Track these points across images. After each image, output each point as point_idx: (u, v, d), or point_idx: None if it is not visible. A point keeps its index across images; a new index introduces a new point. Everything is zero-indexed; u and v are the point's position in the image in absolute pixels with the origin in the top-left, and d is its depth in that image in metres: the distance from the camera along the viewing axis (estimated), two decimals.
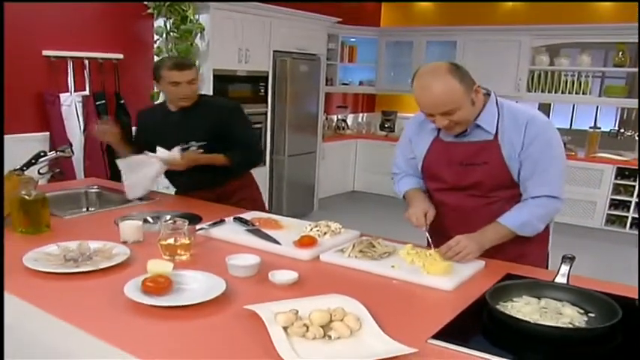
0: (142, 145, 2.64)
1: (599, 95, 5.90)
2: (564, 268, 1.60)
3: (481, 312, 1.47)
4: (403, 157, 2.19)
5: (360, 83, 7.16)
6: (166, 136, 2.57)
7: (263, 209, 2.76)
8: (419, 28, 6.77)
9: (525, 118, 1.84)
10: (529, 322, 1.33)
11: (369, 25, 7.05)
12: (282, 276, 1.65)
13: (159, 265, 1.60)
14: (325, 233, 2.07)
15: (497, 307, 1.43)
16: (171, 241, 1.83)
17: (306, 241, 1.93)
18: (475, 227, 1.85)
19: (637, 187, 5.35)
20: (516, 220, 1.83)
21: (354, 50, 7.02)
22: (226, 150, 2.60)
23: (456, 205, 2.00)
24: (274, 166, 5.66)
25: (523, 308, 1.46)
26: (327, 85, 6.35)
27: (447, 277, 1.67)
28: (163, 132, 2.63)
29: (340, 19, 6.23)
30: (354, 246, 1.89)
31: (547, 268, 2.02)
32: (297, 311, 1.36)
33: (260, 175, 5.38)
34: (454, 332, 1.36)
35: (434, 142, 2.01)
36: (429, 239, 1.90)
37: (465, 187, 1.95)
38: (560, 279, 1.57)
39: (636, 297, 1.53)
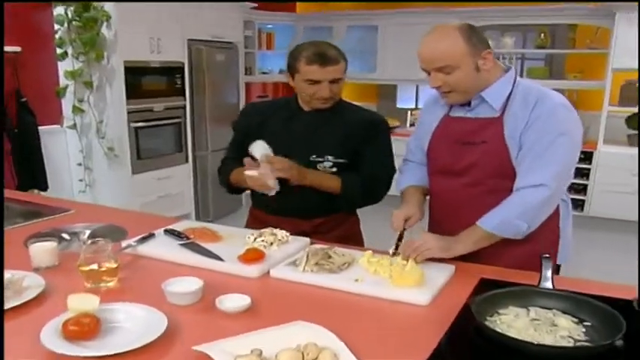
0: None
1: (521, 77, 5.92)
2: (546, 270, 1.45)
3: (466, 331, 1.29)
4: (415, 140, 1.98)
5: (280, 71, 6.89)
6: (291, 141, 1.99)
7: (362, 245, 2.16)
8: (338, 12, 6.57)
9: (537, 95, 1.64)
10: (532, 344, 1.16)
11: (285, 10, 6.78)
12: (232, 302, 1.39)
13: (82, 301, 1.29)
14: (272, 243, 1.82)
15: (487, 323, 1.25)
16: (94, 266, 1.52)
17: (253, 255, 1.68)
18: (467, 223, 1.66)
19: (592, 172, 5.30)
20: (493, 219, 1.64)
21: (272, 37, 6.72)
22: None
23: (448, 193, 1.80)
24: (197, 162, 5.29)
25: (514, 322, 1.29)
26: (246, 74, 6.02)
27: (418, 288, 1.48)
28: (288, 133, 2.02)
29: (256, 5, 5.94)
30: (307, 258, 1.65)
31: (558, 272, 1.86)
32: (261, 352, 1.11)
33: (182, 173, 5.07)
34: None
35: (443, 118, 1.82)
36: (397, 245, 1.71)
37: (459, 172, 1.74)
38: (546, 283, 1.42)
39: (627, 297, 1.39)
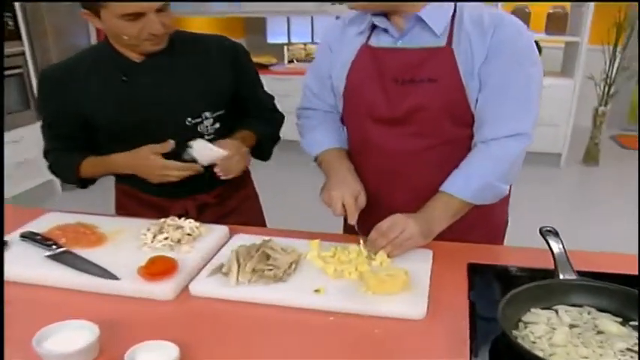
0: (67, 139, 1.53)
1: None
2: (557, 248, 1.13)
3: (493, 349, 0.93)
4: (317, 79, 1.48)
5: None
6: (145, 108, 1.45)
7: (263, 222, 1.82)
8: None
9: (492, 19, 1.23)
10: None
11: None
12: (152, 357, 0.91)
13: None
14: (179, 241, 1.33)
15: (519, 341, 0.90)
16: None
17: (160, 267, 1.17)
18: (411, 189, 1.28)
19: None
20: (469, 184, 1.26)
21: None
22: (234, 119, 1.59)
23: (386, 149, 1.37)
24: None
25: (554, 336, 0.95)
26: None
27: (405, 295, 1.09)
28: (130, 98, 1.44)
29: None
30: (239, 262, 1.19)
31: (504, 237, 1.54)
32: None
33: (34, 134, 4.15)
34: None
35: (362, 49, 1.34)
36: (355, 227, 1.29)
37: (399, 119, 1.32)
38: (565, 272, 1.09)
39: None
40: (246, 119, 1.61)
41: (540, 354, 0.90)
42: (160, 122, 1.44)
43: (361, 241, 1.25)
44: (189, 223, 1.39)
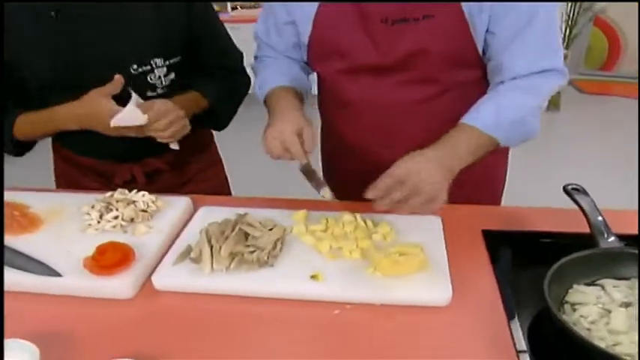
0: None
1: None
2: (589, 208, 0.96)
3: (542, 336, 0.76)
4: (271, 26, 1.23)
5: None
6: (81, 57, 1.16)
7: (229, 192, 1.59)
8: None
9: None
10: None
11: None
12: None
13: None
14: (133, 220, 1.09)
15: (573, 327, 0.73)
16: None
17: (112, 257, 0.93)
18: (412, 147, 1.04)
19: None
20: (499, 119, 1.01)
21: None
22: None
23: (376, 103, 1.15)
24: None
25: (612, 320, 0.78)
26: None
27: (422, 275, 0.89)
28: (70, 45, 1.16)
29: None
30: (211, 245, 0.96)
31: (502, 195, 1.36)
32: None
33: None
34: None
35: None
36: (318, 178, 1.05)
37: (394, 66, 1.09)
38: (609, 235, 0.92)
39: None
40: (200, 78, 1.33)
41: (602, 344, 0.73)
42: (98, 69, 1.16)
43: (325, 193, 1.02)
44: (142, 197, 1.15)
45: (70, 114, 1.18)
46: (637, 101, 4.40)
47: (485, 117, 1.02)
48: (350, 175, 1.14)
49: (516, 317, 0.82)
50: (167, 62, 1.23)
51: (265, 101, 1.19)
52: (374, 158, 1.17)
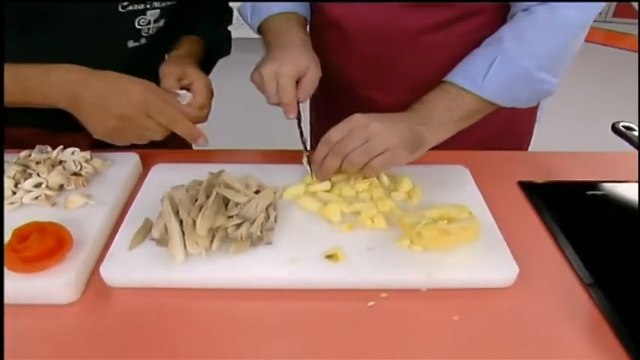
0: None
1: None
2: None
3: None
4: None
5: None
6: None
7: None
8: None
9: None
10: None
11: None
12: None
13: None
14: (62, 187, 0.80)
15: None
16: None
17: (40, 244, 0.65)
18: (419, 91, 0.83)
19: None
20: (493, 76, 0.79)
21: None
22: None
23: (374, 29, 0.91)
24: None
25: None
26: None
27: (474, 249, 0.67)
28: None
29: None
30: (180, 219, 0.70)
31: (529, 142, 1.15)
32: None
33: None
34: None
35: None
36: (304, 141, 0.83)
37: None
38: None
39: None
40: (189, 17, 1.03)
41: None
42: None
43: (305, 158, 0.82)
44: (72, 155, 0.86)
45: (82, 82, 0.78)
46: None
47: (472, 72, 0.80)
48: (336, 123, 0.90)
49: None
50: (163, 4, 0.92)
51: (259, 29, 0.94)
52: (363, 104, 0.93)
